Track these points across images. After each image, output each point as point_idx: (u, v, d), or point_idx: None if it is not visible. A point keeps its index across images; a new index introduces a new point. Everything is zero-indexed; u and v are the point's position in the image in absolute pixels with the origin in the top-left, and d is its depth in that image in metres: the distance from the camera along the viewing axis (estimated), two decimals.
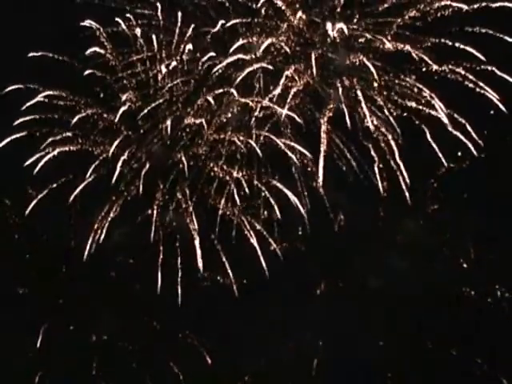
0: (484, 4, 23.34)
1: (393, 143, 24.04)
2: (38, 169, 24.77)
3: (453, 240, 24.86)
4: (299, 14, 24.19)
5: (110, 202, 24.93)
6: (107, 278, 25.61)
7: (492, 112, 23.41)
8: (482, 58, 23.19)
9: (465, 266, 24.80)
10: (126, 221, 25.06)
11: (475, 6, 23.35)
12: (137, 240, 25.05)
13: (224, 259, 24.70)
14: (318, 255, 25.43)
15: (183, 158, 24.69)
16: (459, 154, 23.87)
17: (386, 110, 24.09)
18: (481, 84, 23.50)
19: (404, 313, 24.82)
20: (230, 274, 24.75)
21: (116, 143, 24.83)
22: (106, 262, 25.16)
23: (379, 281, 24.98)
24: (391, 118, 24.10)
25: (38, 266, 26.15)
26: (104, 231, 24.62)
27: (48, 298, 25.75)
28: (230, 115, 24.54)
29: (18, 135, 25.22)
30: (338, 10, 24.26)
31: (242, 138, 24.43)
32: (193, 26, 24.81)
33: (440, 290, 24.74)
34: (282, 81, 23.94)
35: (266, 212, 24.59)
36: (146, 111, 24.82)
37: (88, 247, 24.56)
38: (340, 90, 24.21)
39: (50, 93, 25.26)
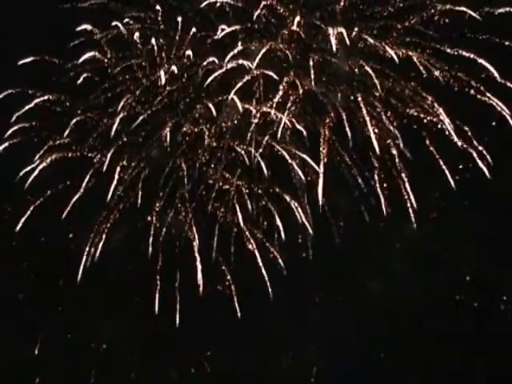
0: (487, 9, 23.16)
1: (393, 150, 23.94)
2: (35, 174, 24.73)
3: (454, 248, 24.77)
4: (297, 18, 23.99)
5: (108, 209, 24.84)
6: (106, 286, 25.50)
7: (494, 123, 23.31)
8: (486, 64, 23.01)
9: (467, 278, 24.86)
10: (124, 227, 24.96)
11: (478, 12, 23.16)
12: (136, 247, 24.94)
13: (223, 267, 24.69)
14: (318, 261, 25.34)
15: (183, 165, 24.60)
16: (460, 166, 23.76)
17: (385, 118, 23.92)
18: (482, 89, 23.35)
19: (404, 316, 24.73)
20: (230, 281, 24.74)
21: (113, 149, 24.73)
22: (104, 269, 25.00)
23: (380, 286, 24.91)
24: (391, 126, 23.95)
25: (37, 273, 26.08)
26: (103, 238, 24.57)
27: (47, 305, 25.70)
28: (229, 123, 24.44)
29: (15, 140, 25.15)
30: (339, 15, 24.09)
31: (242, 145, 24.36)
32: (193, 30, 24.65)
33: (440, 293, 24.70)
34: (282, 87, 23.81)
35: (265, 221, 24.55)
36: (144, 116, 24.69)
37: (84, 259, 24.57)
38: (340, 96, 24.08)
39: (49, 97, 25.17)
